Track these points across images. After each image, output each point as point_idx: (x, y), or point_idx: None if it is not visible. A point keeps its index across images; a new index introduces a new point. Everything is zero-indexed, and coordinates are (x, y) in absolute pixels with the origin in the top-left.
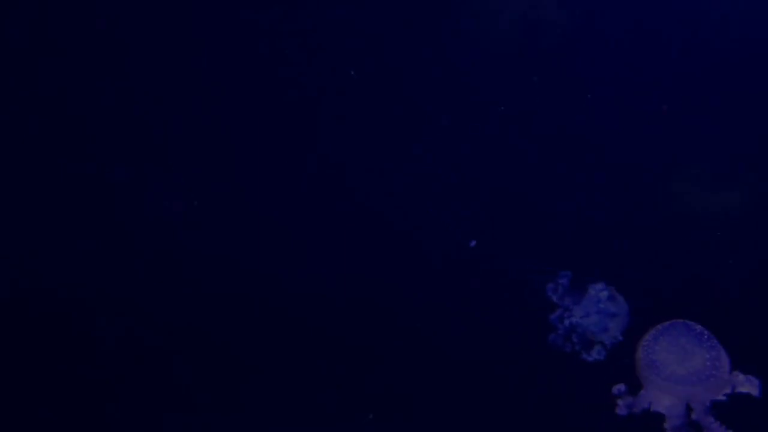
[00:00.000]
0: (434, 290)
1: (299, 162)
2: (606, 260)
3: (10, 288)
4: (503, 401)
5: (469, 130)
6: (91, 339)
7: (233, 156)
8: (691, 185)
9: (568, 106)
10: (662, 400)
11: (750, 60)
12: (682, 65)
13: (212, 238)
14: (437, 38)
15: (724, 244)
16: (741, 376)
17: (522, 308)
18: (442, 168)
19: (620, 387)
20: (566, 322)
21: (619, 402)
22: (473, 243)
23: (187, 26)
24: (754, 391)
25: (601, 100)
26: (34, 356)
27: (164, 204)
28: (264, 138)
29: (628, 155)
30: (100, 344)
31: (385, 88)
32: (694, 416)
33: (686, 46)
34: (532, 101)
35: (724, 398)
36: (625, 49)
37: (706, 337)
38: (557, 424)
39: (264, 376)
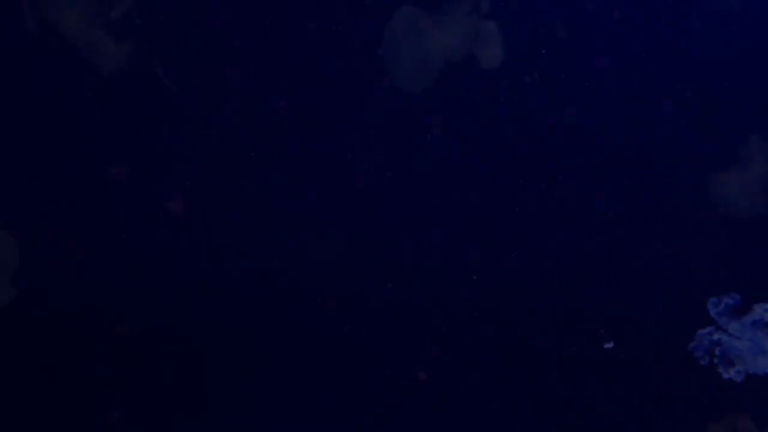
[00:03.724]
0: (436, 291)
1: (299, 161)
2: None
3: (10, 287)
4: (500, 402)
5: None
6: (90, 338)
7: (233, 156)
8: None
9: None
10: None
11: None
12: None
13: (212, 238)
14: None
15: None
16: None
17: (530, 311)
18: (452, 170)
19: None
20: (715, 336)
21: None
22: (611, 344)
23: (187, 26)
24: None
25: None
26: (34, 356)
27: (164, 204)
28: (264, 138)
29: None
30: (99, 344)
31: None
32: None
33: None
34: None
35: None
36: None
37: None
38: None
39: (264, 376)
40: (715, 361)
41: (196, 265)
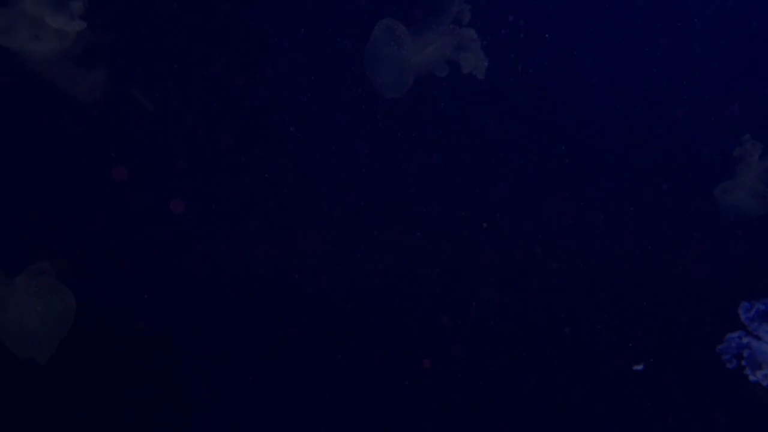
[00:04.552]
0: (438, 292)
1: (300, 162)
2: None
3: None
4: (503, 402)
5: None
6: (90, 338)
7: (234, 156)
8: None
9: None
10: None
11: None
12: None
13: (213, 238)
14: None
15: None
16: None
17: (534, 316)
18: (455, 169)
19: None
20: (745, 340)
21: None
22: (641, 367)
23: (187, 28)
24: None
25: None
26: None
27: (164, 204)
28: (265, 138)
29: None
30: (98, 343)
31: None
32: None
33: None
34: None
35: None
36: None
37: None
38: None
39: (265, 376)
40: (743, 363)
41: (196, 265)
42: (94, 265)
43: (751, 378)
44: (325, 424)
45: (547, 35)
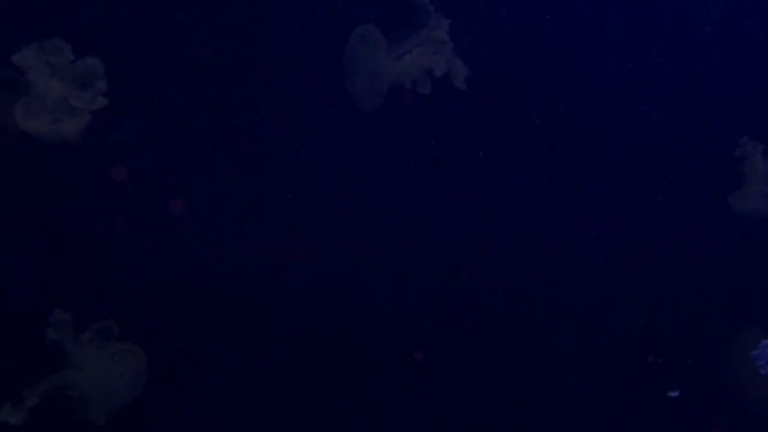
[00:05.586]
0: (439, 292)
1: (300, 161)
2: None
3: (10, 289)
4: (501, 400)
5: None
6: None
7: (234, 156)
8: None
9: None
10: None
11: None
12: None
13: (213, 238)
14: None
15: None
16: None
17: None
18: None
19: None
20: None
21: None
22: (677, 393)
23: (186, 27)
24: None
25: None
26: (33, 357)
27: (164, 204)
28: (265, 138)
29: None
30: None
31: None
32: None
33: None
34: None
35: None
36: None
37: None
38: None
39: (264, 377)
40: None
41: (196, 266)
42: (93, 266)
43: None
44: (325, 423)
45: (539, 35)
